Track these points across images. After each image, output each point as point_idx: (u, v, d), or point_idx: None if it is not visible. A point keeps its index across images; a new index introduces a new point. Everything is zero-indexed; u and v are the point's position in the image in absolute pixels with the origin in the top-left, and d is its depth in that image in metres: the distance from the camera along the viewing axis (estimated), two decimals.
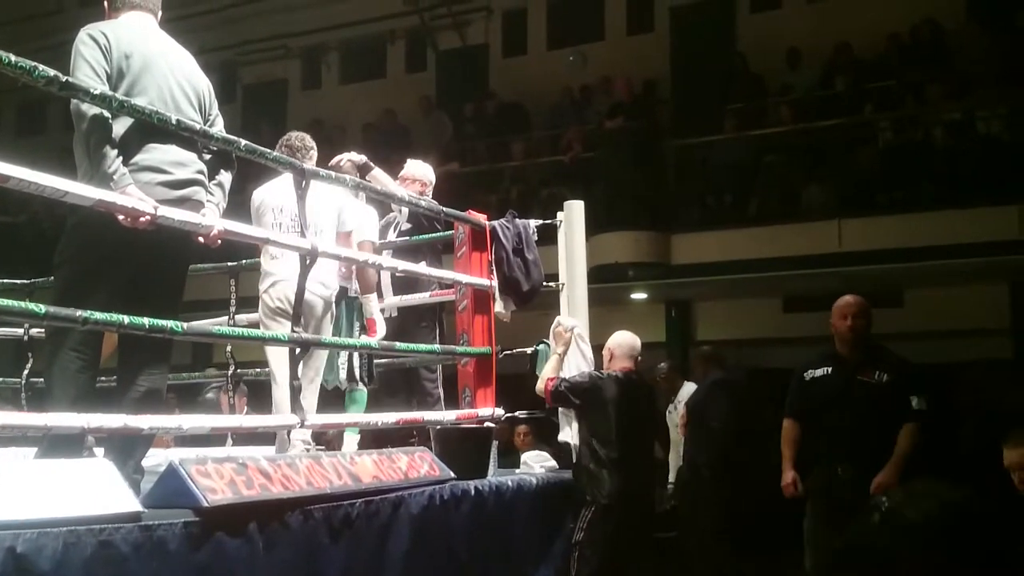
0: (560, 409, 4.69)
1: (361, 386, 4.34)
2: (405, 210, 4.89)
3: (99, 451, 3.13)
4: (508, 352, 4.87)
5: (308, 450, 3.99)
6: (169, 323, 2.83)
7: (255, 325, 4.33)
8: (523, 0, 11.84)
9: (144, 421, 2.76)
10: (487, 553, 3.83)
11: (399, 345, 4.32)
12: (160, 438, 4.36)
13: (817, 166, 8.74)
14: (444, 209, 4.57)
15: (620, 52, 10.99)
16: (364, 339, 4.25)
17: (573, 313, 5.04)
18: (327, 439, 4.97)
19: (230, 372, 4.82)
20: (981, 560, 1.19)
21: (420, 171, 5.15)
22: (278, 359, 3.90)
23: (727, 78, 10.07)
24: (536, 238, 4.94)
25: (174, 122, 2.89)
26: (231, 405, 4.93)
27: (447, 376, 4.99)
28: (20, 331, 5.02)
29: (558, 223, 5.12)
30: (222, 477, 2.65)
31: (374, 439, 4.69)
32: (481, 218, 4.69)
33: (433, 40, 12.25)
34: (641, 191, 9.03)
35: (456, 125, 11.26)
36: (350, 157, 4.76)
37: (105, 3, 3.17)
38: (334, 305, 4.18)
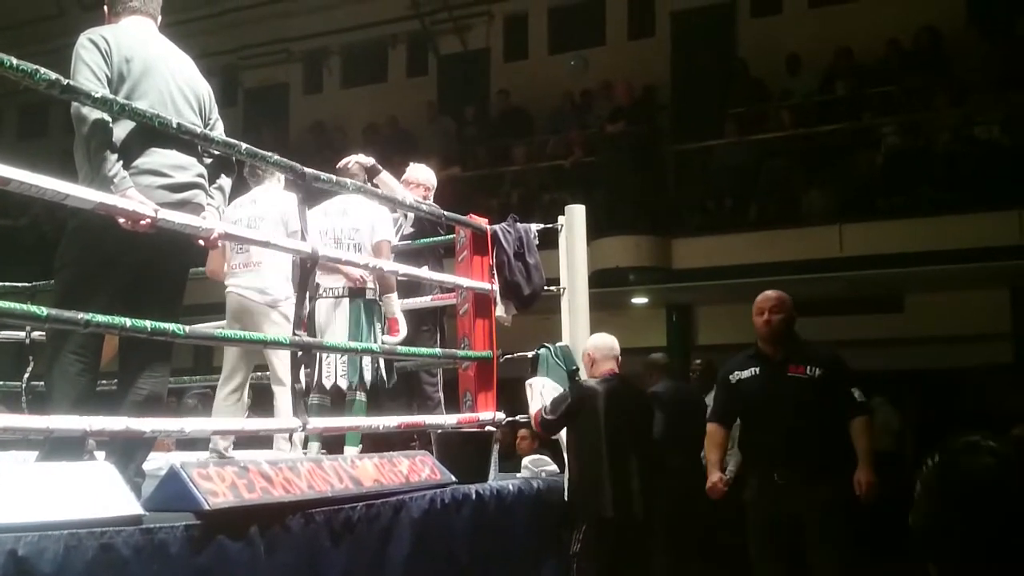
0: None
1: (362, 395, 4.33)
2: (411, 214, 4.90)
3: (100, 455, 3.13)
4: (509, 356, 4.86)
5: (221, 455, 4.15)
6: (171, 326, 2.83)
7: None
8: (524, 5, 11.86)
9: (145, 424, 2.76)
10: (488, 557, 3.82)
11: (400, 348, 4.32)
12: (161, 442, 4.37)
13: (818, 171, 8.75)
14: (445, 213, 4.58)
15: (621, 57, 11.00)
16: (367, 343, 4.25)
17: (574, 317, 5.04)
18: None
19: None
20: None
21: (423, 175, 5.15)
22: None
23: (728, 83, 10.08)
24: (537, 242, 4.94)
25: (174, 125, 2.90)
26: None
27: (448, 380, 4.99)
28: (22, 334, 5.02)
29: (559, 227, 5.12)
30: (223, 480, 2.65)
31: (375, 443, 4.69)
32: (482, 222, 4.69)
33: (434, 44, 12.27)
34: (642, 195, 9.05)
35: (458, 129, 11.27)
36: (358, 159, 4.77)
37: (105, 8, 3.18)
38: (274, 311, 4.25)
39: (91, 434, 2.69)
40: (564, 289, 5.07)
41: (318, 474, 3.05)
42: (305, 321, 3.39)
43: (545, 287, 4.93)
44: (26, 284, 5.34)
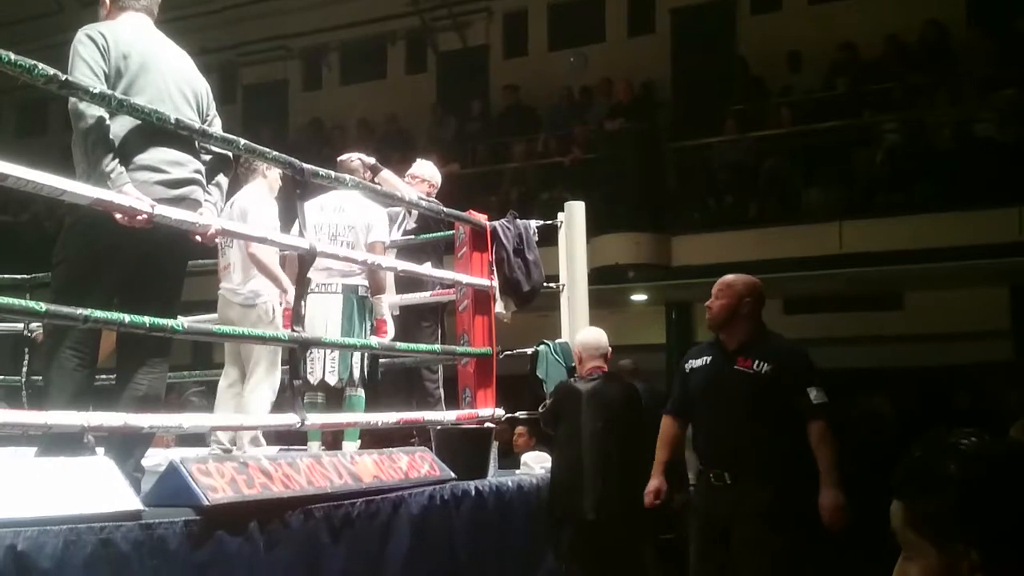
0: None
1: (360, 391, 4.33)
2: (415, 211, 4.91)
3: (99, 450, 3.13)
4: (508, 353, 4.87)
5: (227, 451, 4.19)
6: (169, 322, 2.83)
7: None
8: (524, 1, 11.85)
9: (144, 420, 2.76)
10: (486, 553, 3.83)
11: (400, 345, 4.32)
12: (160, 437, 4.38)
13: (817, 168, 8.75)
14: (445, 209, 4.57)
15: (621, 53, 10.99)
16: (364, 339, 4.25)
17: (573, 314, 5.04)
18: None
19: None
20: None
21: (429, 171, 5.16)
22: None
23: (728, 80, 10.07)
24: (537, 239, 4.94)
25: (172, 121, 2.90)
26: None
27: (447, 376, 4.99)
28: (20, 326, 5.01)
29: (559, 224, 5.13)
30: (223, 476, 2.66)
31: (375, 439, 4.69)
32: (482, 218, 4.69)
33: (433, 41, 12.25)
34: (642, 192, 9.04)
35: (458, 125, 11.27)
36: (360, 156, 4.78)
37: (102, 4, 3.17)
38: (251, 310, 4.26)
39: (89, 429, 2.69)
40: (563, 286, 5.08)
41: (317, 470, 3.05)
42: (299, 316, 3.39)
43: (544, 284, 4.94)
44: (25, 276, 5.33)
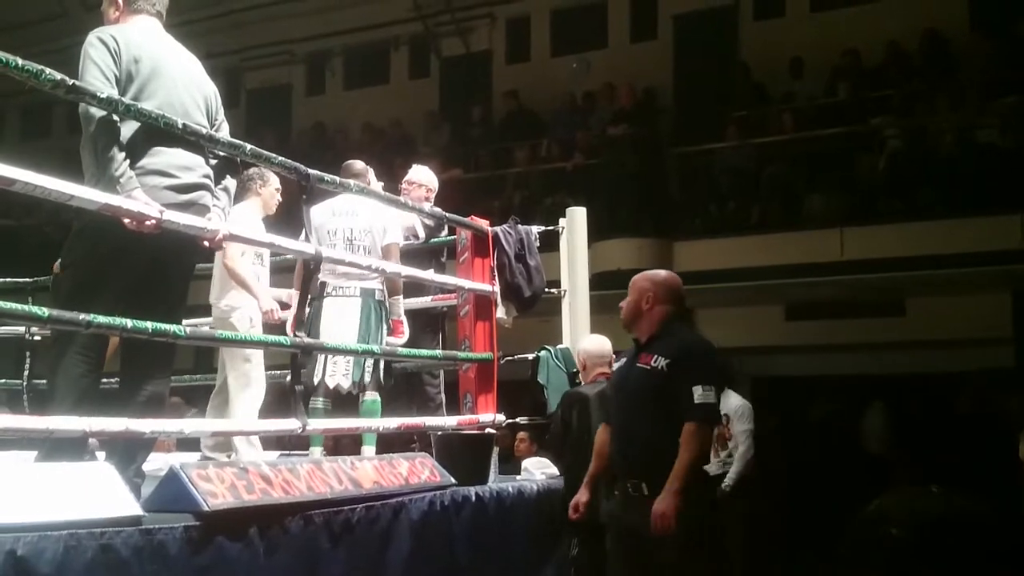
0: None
1: (375, 395, 4.34)
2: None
3: (101, 455, 3.13)
4: (509, 358, 4.87)
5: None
6: (172, 327, 2.83)
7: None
8: (527, 7, 11.87)
9: (145, 425, 2.76)
10: (487, 559, 3.82)
11: (401, 350, 4.32)
12: (161, 442, 4.39)
13: (819, 174, 8.75)
14: (447, 215, 4.58)
15: (623, 59, 11.00)
16: (367, 344, 4.25)
17: (574, 320, 5.05)
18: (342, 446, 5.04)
19: None
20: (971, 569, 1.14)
21: (426, 176, 5.17)
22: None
23: (730, 86, 10.08)
24: (538, 244, 4.95)
25: (180, 126, 2.90)
26: None
27: (448, 381, 4.99)
28: (21, 329, 5.02)
29: (560, 229, 5.13)
30: (223, 481, 2.66)
31: (380, 444, 4.70)
32: (483, 224, 4.70)
33: (437, 47, 12.27)
34: (644, 198, 9.04)
35: (460, 131, 11.28)
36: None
37: (113, 7, 3.13)
38: (227, 320, 4.32)
39: (91, 435, 2.69)
40: (565, 291, 5.08)
41: (317, 475, 3.06)
42: (302, 322, 3.39)
43: (546, 289, 4.94)
44: (27, 280, 5.33)
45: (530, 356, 5.00)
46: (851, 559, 1.16)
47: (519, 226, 4.89)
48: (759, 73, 9.96)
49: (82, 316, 2.54)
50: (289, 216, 4.25)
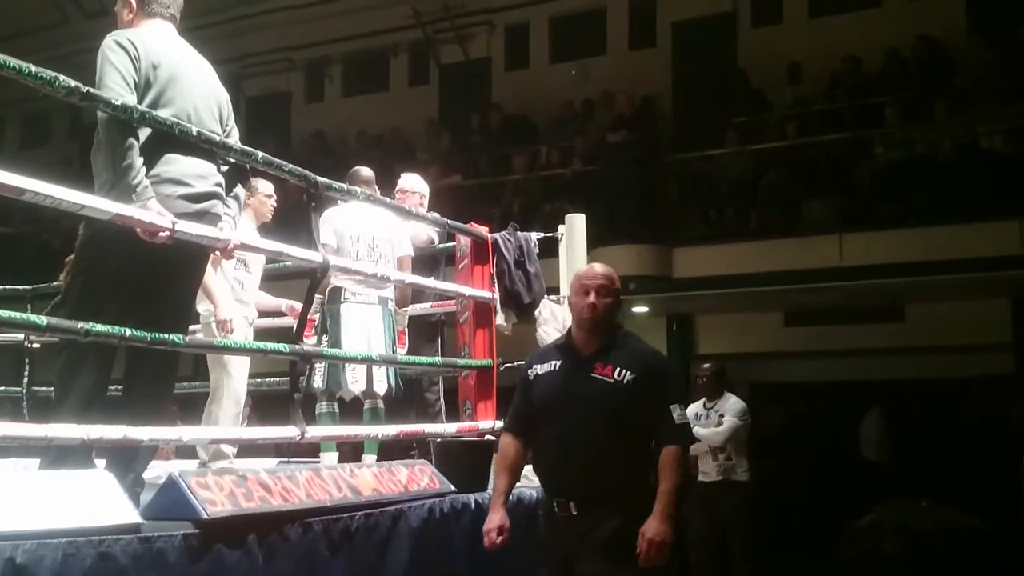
0: None
1: (380, 402, 4.34)
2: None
3: (100, 463, 3.13)
4: (509, 365, 4.86)
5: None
6: (171, 336, 2.83)
7: (259, 336, 4.39)
8: (526, 14, 11.90)
9: (144, 433, 2.76)
10: (486, 566, 3.81)
11: (401, 357, 4.33)
12: (161, 449, 4.39)
13: (818, 181, 8.76)
14: (447, 221, 4.59)
15: (622, 66, 11.03)
16: (367, 352, 4.25)
17: None
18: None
19: None
20: None
21: (417, 183, 5.19)
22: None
23: (728, 93, 10.10)
24: (538, 251, 4.95)
25: (195, 134, 2.88)
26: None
27: (448, 388, 4.99)
28: (20, 336, 5.02)
29: (560, 236, 5.13)
30: (222, 489, 2.66)
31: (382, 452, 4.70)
32: (483, 231, 4.70)
33: (436, 53, 12.30)
34: (643, 205, 9.05)
35: (460, 138, 11.30)
36: None
37: (127, 9, 3.09)
38: (207, 327, 4.31)
39: (89, 442, 2.69)
40: (564, 298, 5.07)
41: (316, 483, 3.05)
42: (304, 328, 3.39)
43: (545, 296, 4.94)
44: (27, 287, 5.33)
45: None
46: (844, 572, 1.16)
47: (518, 233, 4.90)
48: (758, 80, 9.98)
49: (80, 325, 2.54)
50: (297, 221, 4.26)
